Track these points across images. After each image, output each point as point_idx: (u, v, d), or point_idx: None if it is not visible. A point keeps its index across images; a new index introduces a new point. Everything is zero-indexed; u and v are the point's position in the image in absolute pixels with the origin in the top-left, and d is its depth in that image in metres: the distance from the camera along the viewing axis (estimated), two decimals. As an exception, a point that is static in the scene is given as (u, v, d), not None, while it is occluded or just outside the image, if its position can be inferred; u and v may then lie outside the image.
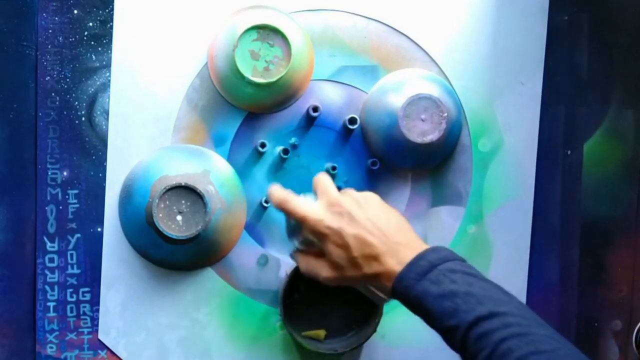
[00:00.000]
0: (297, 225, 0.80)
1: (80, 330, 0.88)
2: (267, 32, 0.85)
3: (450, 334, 0.69)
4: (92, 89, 0.87)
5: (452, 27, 0.92)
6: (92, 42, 0.87)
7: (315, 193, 0.81)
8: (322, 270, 0.78)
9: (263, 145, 0.89)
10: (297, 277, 0.88)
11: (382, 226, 0.75)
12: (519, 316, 0.67)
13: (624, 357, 0.97)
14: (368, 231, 0.75)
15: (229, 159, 0.90)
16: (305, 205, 0.78)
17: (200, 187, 0.84)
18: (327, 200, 0.78)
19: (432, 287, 0.70)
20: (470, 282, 0.69)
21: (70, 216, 0.87)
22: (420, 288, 0.70)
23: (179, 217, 0.84)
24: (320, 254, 0.78)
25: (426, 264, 0.71)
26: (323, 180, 0.81)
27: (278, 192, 0.80)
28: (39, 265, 0.87)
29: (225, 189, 0.87)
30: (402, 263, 0.72)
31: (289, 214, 0.79)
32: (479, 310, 0.67)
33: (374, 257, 0.74)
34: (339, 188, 0.82)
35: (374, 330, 0.88)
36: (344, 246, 0.75)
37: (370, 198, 0.79)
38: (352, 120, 0.89)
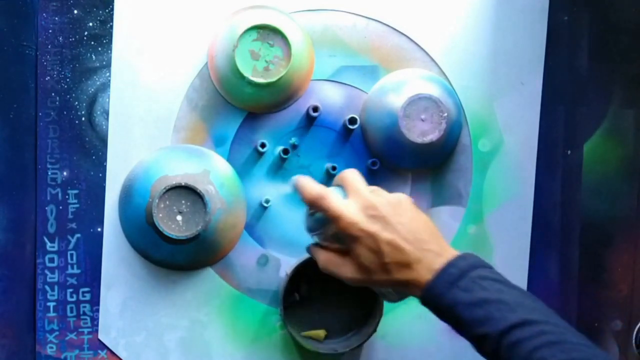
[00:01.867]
0: (321, 220, 0.76)
1: (80, 330, 0.88)
2: (267, 32, 0.85)
3: (482, 342, 0.68)
4: (92, 89, 0.87)
5: (452, 27, 0.92)
6: (92, 42, 0.87)
7: (339, 186, 0.78)
8: (345, 270, 0.76)
9: (263, 145, 0.89)
10: (297, 277, 0.88)
11: (416, 232, 0.73)
12: (551, 324, 0.66)
13: (624, 357, 0.97)
14: (403, 237, 0.73)
15: (229, 159, 0.90)
16: (341, 204, 0.74)
17: (200, 187, 0.84)
18: (362, 202, 0.75)
19: (463, 295, 0.69)
20: (500, 289, 0.69)
21: (70, 216, 0.87)
22: (451, 296, 0.69)
23: (179, 217, 0.84)
24: (344, 252, 0.76)
25: (456, 272, 0.70)
26: (353, 176, 0.78)
27: (312, 186, 0.77)
28: (39, 265, 0.87)
29: (225, 189, 0.87)
30: (432, 271, 0.71)
31: (321, 210, 0.76)
32: (511, 318, 0.66)
33: (406, 264, 0.72)
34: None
35: (374, 330, 0.88)
36: (377, 251, 0.73)
37: (403, 201, 0.76)
38: (352, 120, 0.89)
